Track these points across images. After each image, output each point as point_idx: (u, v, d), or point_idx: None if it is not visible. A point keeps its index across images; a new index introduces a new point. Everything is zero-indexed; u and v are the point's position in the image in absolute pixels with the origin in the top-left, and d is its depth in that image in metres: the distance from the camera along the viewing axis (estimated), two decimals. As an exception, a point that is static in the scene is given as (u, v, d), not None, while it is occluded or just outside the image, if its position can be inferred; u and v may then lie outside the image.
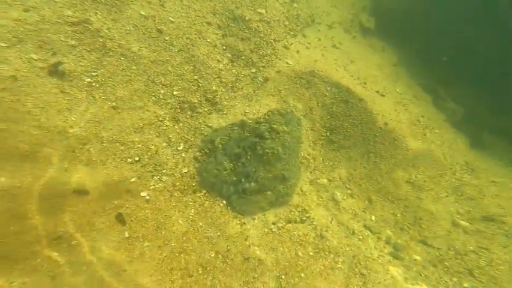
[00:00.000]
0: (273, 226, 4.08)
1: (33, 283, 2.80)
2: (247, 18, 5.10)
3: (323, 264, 3.75)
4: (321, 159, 4.89)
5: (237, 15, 5.11)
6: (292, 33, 5.71)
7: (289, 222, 4.17)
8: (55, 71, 3.79)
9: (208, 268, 3.47)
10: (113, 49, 4.21)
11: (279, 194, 4.23)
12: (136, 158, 3.98)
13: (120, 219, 3.57)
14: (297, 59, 5.32)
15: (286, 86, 5.16)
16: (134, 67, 4.31)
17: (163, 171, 4.09)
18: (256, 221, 4.12)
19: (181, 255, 3.50)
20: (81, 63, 4.00)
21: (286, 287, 3.51)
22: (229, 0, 5.14)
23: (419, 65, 6.96)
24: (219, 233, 3.83)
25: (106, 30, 4.21)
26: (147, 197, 3.83)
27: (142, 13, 4.52)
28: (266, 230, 4.02)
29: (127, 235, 3.45)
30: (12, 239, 2.92)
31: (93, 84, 4.02)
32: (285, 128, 4.42)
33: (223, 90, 4.80)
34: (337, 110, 4.98)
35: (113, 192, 3.67)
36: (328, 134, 4.96)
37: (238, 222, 4.03)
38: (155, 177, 4.01)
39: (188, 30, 4.72)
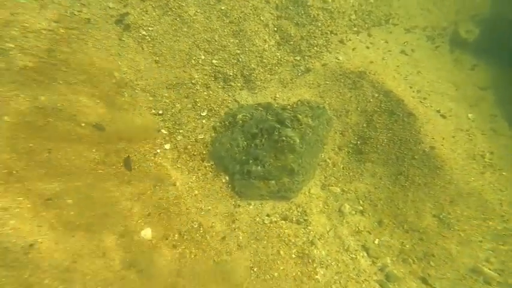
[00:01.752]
0: (266, 218, 3.86)
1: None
2: (309, 3, 4.82)
3: (301, 270, 3.40)
4: (342, 166, 4.39)
5: (299, -1, 4.88)
6: (355, 29, 5.21)
7: (285, 219, 3.89)
8: (121, 20, 4.21)
9: (185, 237, 3.44)
10: (173, 9, 4.45)
11: (282, 186, 3.97)
12: (160, 112, 4.19)
13: (127, 163, 3.71)
14: (350, 56, 4.84)
15: (327, 82, 4.75)
16: (185, 29, 4.50)
17: (181, 131, 4.21)
18: (251, 207, 3.95)
19: (164, 216, 3.50)
20: (143, 17, 4.33)
21: (255, 280, 3.30)
22: (296, -18, 4.93)
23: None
24: (210, 207, 3.78)
25: (173, -10, 4.43)
26: (157, 150, 4.00)
27: (209, -23, 4.62)
28: (258, 220, 3.83)
29: (126, 179, 3.58)
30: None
31: (147, 37, 4.32)
32: (310, 122, 4.10)
33: (261, 70, 4.67)
34: (377, 120, 4.37)
35: (128, 137, 3.89)
36: (358, 142, 4.41)
37: (233, 203, 3.92)
38: (172, 134, 4.16)
39: (245, 4, 4.69)
